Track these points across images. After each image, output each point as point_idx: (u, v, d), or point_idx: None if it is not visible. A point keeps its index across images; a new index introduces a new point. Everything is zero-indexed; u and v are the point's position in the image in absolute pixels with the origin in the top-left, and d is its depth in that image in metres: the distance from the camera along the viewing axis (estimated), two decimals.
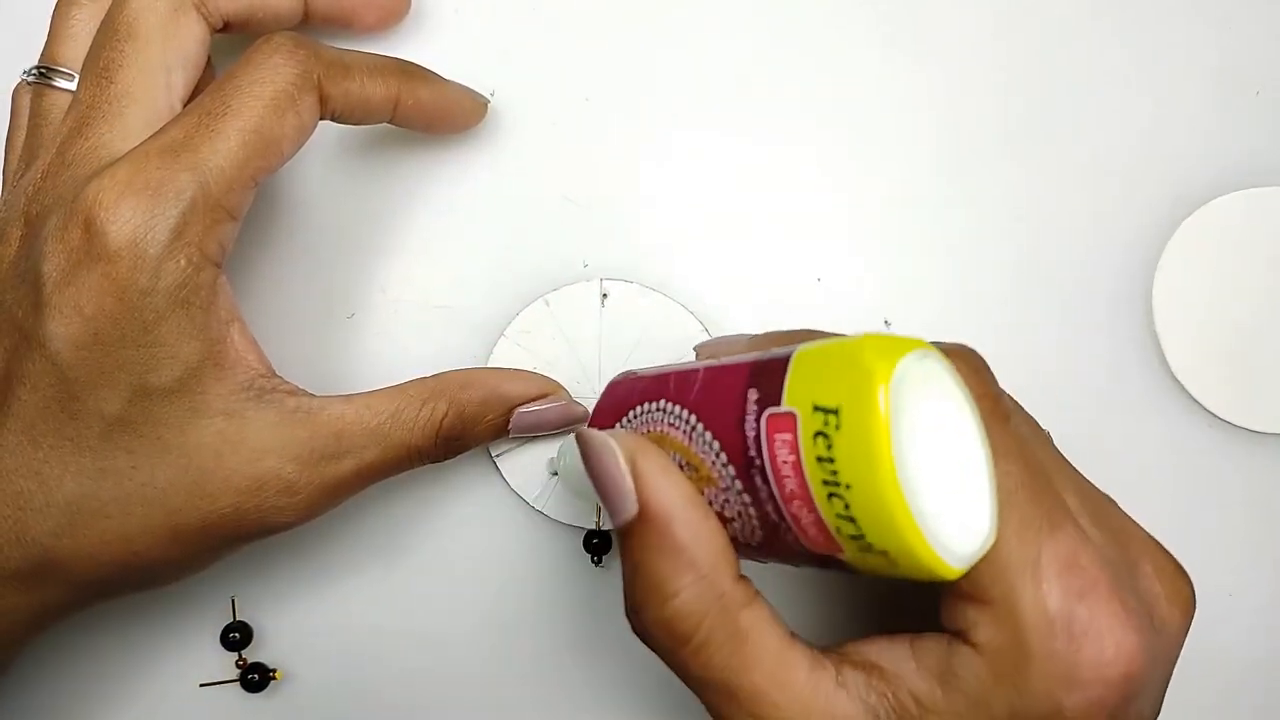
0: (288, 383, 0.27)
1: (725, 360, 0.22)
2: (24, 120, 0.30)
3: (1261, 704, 0.33)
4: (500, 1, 0.34)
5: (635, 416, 0.24)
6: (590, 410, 0.30)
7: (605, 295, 0.32)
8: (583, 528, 0.32)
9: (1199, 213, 0.33)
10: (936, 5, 0.34)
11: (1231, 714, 0.33)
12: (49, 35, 0.30)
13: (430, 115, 0.31)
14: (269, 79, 0.26)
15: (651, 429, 0.24)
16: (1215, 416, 0.33)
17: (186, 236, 0.25)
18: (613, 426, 0.25)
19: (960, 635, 0.20)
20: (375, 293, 0.33)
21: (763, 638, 0.21)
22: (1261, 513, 0.33)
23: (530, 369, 0.32)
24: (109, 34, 0.28)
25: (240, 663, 0.32)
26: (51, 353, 0.25)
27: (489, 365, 0.32)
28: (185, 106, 0.28)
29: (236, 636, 0.32)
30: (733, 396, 0.21)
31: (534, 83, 0.34)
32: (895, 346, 0.19)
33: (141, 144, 0.26)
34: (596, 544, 0.32)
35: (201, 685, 0.32)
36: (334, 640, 0.32)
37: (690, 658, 0.21)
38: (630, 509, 0.21)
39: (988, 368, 0.23)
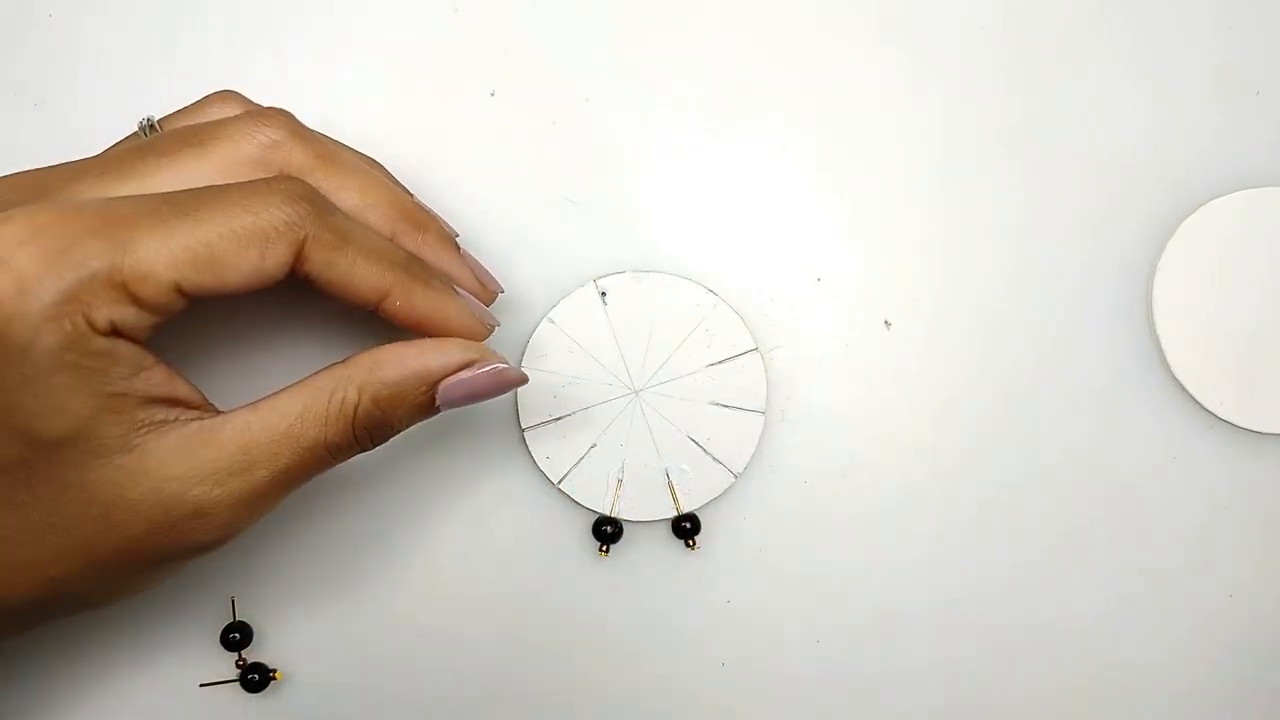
0: (196, 407, 0.26)
1: None
2: None
3: (1263, 705, 0.33)
4: (500, 1, 0.34)
5: None
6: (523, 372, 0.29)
7: (604, 293, 0.32)
8: (596, 511, 0.32)
9: (1199, 213, 0.33)
10: (936, 6, 0.34)
11: (1233, 714, 0.33)
12: (186, 107, 0.29)
13: (419, 323, 0.28)
14: (255, 209, 0.24)
15: None
16: (1215, 417, 0.33)
17: (75, 305, 0.23)
18: None
19: None
20: None
21: None
22: (1261, 513, 0.33)
23: (561, 387, 0.32)
24: (197, 132, 0.27)
25: (240, 663, 0.32)
26: None
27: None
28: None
29: (236, 636, 0.32)
30: None
31: (534, 83, 0.34)
32: None
33: (92, 199, 0.24)
34: (608, 533, 0.32)
35: (201, 685, 0.32)
36: (334, 640, 0.32)
37: None
38: None
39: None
